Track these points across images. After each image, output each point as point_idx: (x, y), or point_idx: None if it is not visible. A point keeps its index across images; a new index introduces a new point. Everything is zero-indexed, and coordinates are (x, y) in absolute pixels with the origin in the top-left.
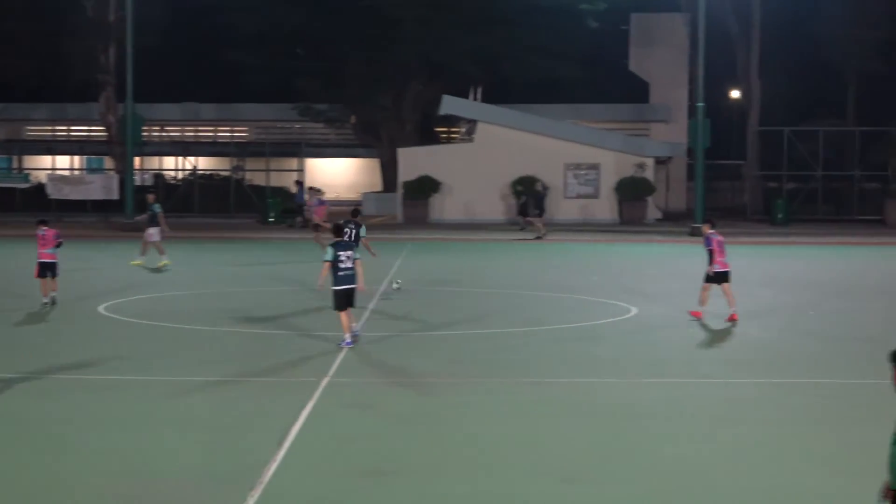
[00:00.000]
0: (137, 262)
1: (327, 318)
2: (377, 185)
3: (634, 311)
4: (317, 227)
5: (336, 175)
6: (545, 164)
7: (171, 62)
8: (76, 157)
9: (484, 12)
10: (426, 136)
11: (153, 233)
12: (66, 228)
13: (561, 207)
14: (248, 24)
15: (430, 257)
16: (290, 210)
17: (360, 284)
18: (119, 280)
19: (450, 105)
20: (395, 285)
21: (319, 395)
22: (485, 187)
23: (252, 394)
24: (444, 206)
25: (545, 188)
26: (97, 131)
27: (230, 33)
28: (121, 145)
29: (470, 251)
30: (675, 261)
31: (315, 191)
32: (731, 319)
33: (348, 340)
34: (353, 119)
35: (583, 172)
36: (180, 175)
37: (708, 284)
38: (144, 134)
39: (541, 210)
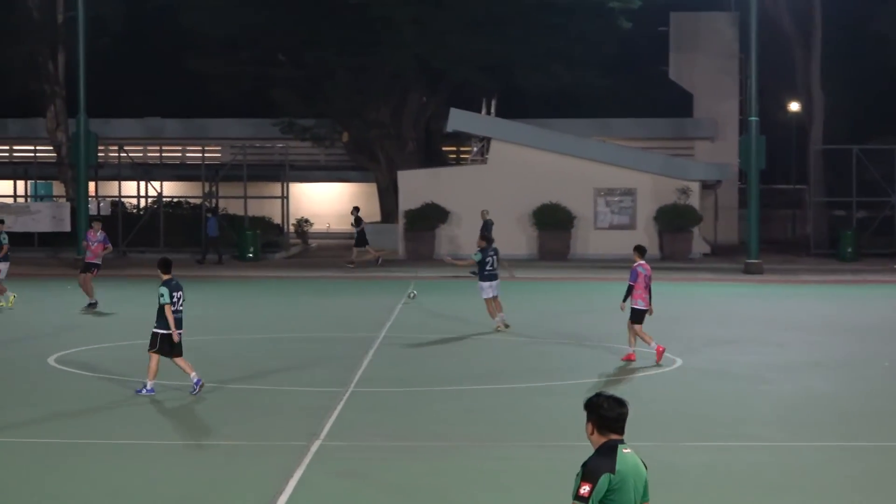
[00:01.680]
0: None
1: (316, 371)
2: (374, 214)
3: (678, 361)
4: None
5: (326, 202)
6: (571, 189)
7: (131, 71)
8: (20, 183)
9: (493, 11)
10: (431, 156)
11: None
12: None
13: (591, 240)
14: (216, 26)
15: (438, 299)
16: (271, 244)
17: None
18: (71, 327)
19: (458, 120)
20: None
21: (309, 461)
22: (501, 217)
23: (229, 459)
24: (453, 239)
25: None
26: (44, 152)
27: (196, 37)
28: (72, 168)
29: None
30: (726, 303)
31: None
32: (628, 358)
33: None
34: (344, 137)
35: (616, 199)
36: (143, 203)
37: (634, 325)
38: (100, 154)
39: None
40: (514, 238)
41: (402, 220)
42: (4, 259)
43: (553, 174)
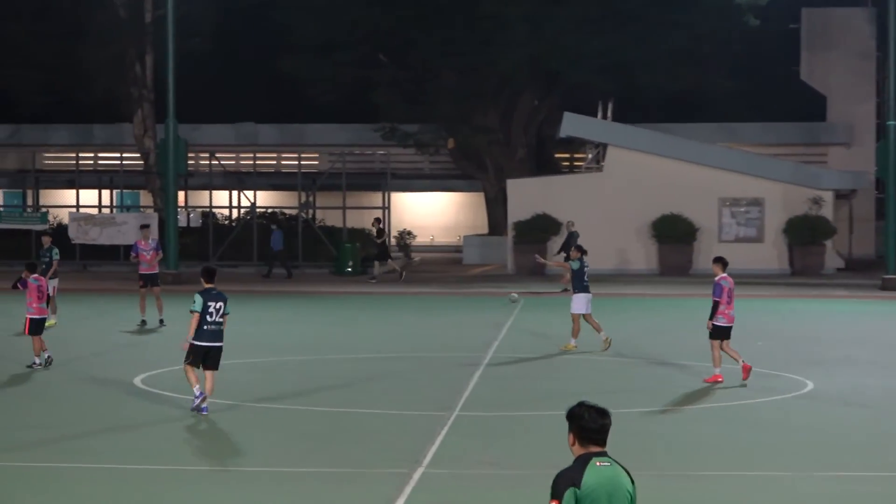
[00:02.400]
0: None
1: (419, 393)
2: (481, 225)
3: (810, 385)
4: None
5: (429, 214)
6: (694, 199)
7: (223, 73)
8: (105, 192)
9: (611, 7)
10: (542, 164)
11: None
12: (91, 280)
13: (715, 253)
14: (313, 24)
15: (548, 317)
16: (372, 258)
17: None
18: (158, 345)
19: (572, 125)
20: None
21: (410, 490)
22: (618, 228)
23: (327, 487)
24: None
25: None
26: (131, 159)
27: (292, 37)
28: (160, 177)
29: (597, 308)
30: (863, 322)
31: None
32: (714, 380)
33: None
34: (450, 143)
35: (742, 210)
36: (235, 213)
37: (716, 342)
38: (190, 162)
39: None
40: (632, 252)
41: (510, 233)
42: (54, 276)
43: (674, 183)
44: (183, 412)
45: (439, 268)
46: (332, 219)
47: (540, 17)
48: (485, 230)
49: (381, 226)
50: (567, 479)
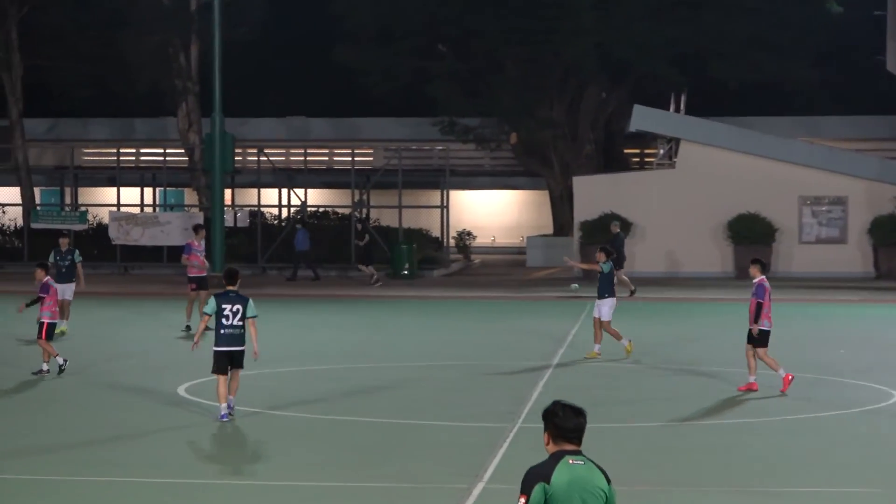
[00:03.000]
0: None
1: (479, 403)
2: (546, 225)
3: None
4: None
5: (490, 213)
6: (773, 198)
7: (272, 65)
8: (147, 190)
9: None
10: (610, 160)
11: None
12: (133, 284)
13: (794, 256)
14: (369, 13)
15: (618, 322)
16: (429, 260)
17: None
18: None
19: (643, 118)
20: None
21: None
22: (691, 229)
23: (383, 502)
24: (636, 255)
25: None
26: (174, 155)
27: (346, 26)
28: (206, 174)
29: (670, 315)
30: None
31: None
32: (749, 388)
33: None
34: (512, 138)
35: (824, 209)
36: (284, 213)
37: (751, 347)
38: (237, 159)
39: (618, 261)
40: (707, 253)
41: (577, 233)
42: (74, 280)
43: (752, 180)
44: (232, 424)
45: (501, 270)
46: (386, 219)
47: (609, 2)
48: (549, 230)
49: (360, 227)
50: (537, 475)
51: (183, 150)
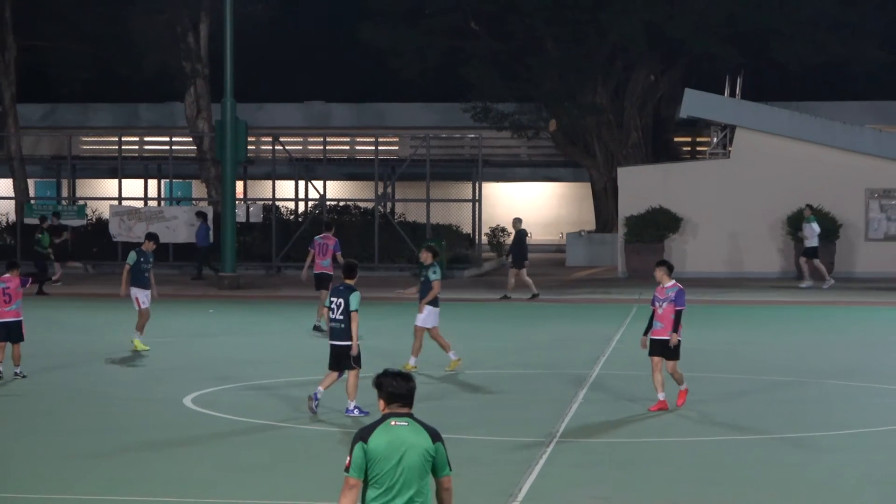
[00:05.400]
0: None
1: (515, 416)
2: (587, 221)
3: None
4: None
5: (527, 207)
6: (837, 191)
7: (289, 45)
8: (152, 182)
9: None
10: (659, 149)
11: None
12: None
13: (860, 254)
14: None
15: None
16: (460, 258)
17: None
18: (212, 360)
19: (694, 103)
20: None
21: None
22: (747, 224)
23: None
24: (687, 253)
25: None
26: (182, 144)
27: (370, 2)
28: (216, 164)
29: (727, 319)
30: None
31: None
32: (661, 408)
33: None
34: (552, 125)
35: (894, 203)
36: (302, 207)
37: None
38: (251, 148)
39: (519, 259)
40: (764, 251)
41: (621, 230)
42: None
43: (814, 171)
44: (252, 438)
45: (538, 270)
46: (413, 213)
47: None
48: (591, 226)
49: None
50: (358, 436)
51: (191, 139)
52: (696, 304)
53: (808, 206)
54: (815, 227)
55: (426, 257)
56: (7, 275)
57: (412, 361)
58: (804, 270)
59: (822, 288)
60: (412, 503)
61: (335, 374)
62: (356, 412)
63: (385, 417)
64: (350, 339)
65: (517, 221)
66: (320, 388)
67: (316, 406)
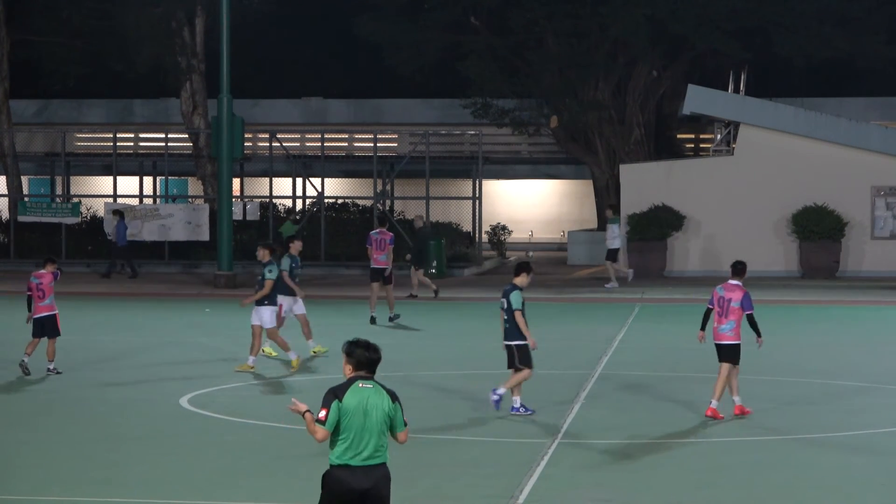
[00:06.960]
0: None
1: (516, 417)
2: (589, 219)
3: None
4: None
5: (528, 205)
6: (843, 188)
7: (286, 41)
8: (147, 179)
9: None
10: (662, 146)
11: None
12: (131, 283)
13: (866, 253)
14: None
15: (669, 327)
16: (460, 257)
17: None
18: (209, 360)
19: (698, 100)
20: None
21: None
22: (751, 222)
23: None
24: (690, 251)
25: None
26: (177, 141)
27: None
28: (212, 161)
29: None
30: None
31: None
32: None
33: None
34: (553, 122)
35: None
36: (299, 204)
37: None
38: (247, 145)
39: (420, 259)
40: (769, 250)
41: (624, 227)
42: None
43: (819, 169)
44: (244, 437)
45: (539, 269)
46: (412, 210)
47: None
48: (593, 224)
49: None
50: (333, 394)
51: (187, 135)
52: (700, 304)
53: (609, 207)
54: (617, 228)
55: (263, 255)
56: (42, 270)
57: (250, 361)
58: (609, 272)
59: (605, 287)
60: (377, 453)
61: (514, 373)
62: (521, 410)
63: (353, 379)
64: (515, 338)
65: (418, 219)
66: (501, 389)
67: (497, 404)
